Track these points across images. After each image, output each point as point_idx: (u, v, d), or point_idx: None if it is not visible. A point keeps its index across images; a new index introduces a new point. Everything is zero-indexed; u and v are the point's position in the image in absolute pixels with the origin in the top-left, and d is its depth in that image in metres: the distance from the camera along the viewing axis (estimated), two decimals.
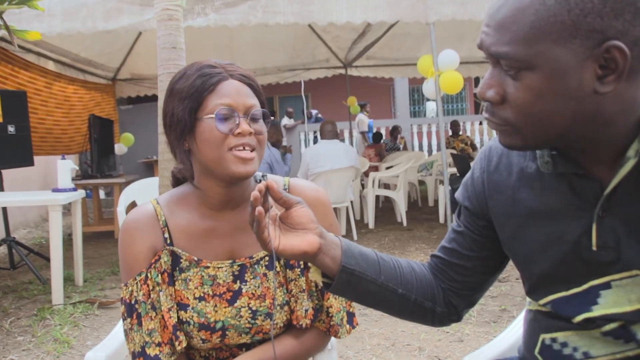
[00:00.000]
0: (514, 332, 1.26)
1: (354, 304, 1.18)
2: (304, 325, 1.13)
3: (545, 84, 0.74)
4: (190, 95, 1.04)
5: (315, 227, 0.89)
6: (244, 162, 1.02)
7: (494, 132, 0.91)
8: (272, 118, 1.12)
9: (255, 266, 1.13)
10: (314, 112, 13.11)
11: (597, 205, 0.83)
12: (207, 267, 1.11)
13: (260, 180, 0.87)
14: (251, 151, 1.04)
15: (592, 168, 0.83)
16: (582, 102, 0.74)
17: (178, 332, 1.08)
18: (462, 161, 5.90)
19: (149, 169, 8.52)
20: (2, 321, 3.42)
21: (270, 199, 0.88)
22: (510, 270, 3.94)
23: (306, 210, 0.90)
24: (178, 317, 1.09)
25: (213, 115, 1.02)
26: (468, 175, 1.03)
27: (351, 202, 5.82)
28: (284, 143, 8.31)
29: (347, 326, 1.17)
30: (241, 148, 1.03)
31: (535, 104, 0.76)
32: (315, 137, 10.79)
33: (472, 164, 1.04)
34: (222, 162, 1.03)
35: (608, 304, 0.85)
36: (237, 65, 1.10)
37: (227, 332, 1.10)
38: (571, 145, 0.82)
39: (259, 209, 0.83)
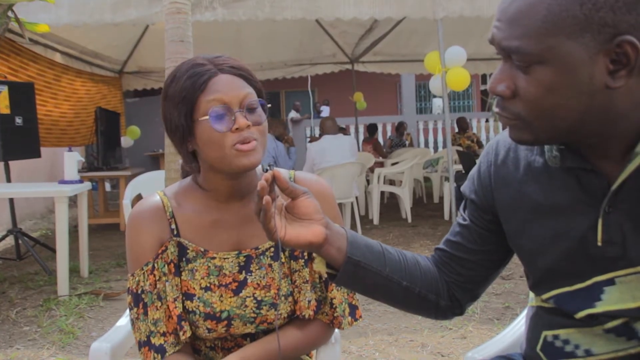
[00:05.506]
0: (517, 328, 1.25)
1: (357, 296, 1.19)
2: (306, 316, 1.13)
3: (557, 78, 0.74)
4: (183, 99, 1.03)
5: (321, 218, 0.90)
6: (247, 154, 1.02)
7: (501, 129, 0.91)
8: (269, 105, 1.09)
9: (261, 257, 1.14)
10: (323, 108, 12.87)
11: (603, 201, 0.82)
12: (214, 258, 1.12)
13: (267, 170, 0.87)
14: (252, 142, 1.02)
15: (600, 163, 0.83)
16: (593, 97, 0.74)
17: (182, 322, 1.09)
18: (467, 158, 5.89)
19: (155, 162, 8.53)
20: (8, 311, 3.45)
21: (276, 189, 0.88)
22: (514, 267, 3.94)
23: (312, 201, 0.90)
24: (184, 306, 1.10)
25: (207, 117, 1.01)
26: (474, 168, 1.03)
27: (356, 197, 5.82)
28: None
29: (349, 318, 1.17)
30: (242, 142, 1.02)
31: (546, 98, 0.76)
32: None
33: (477, 160, 1.04)
34: (225, 159, 1.03)
35: (612, 301, 0.85)
36: (227, 57, 1.07)
37: (232, 322, 1.11)
38: (580, 140, 0.81)
39: (266, 198, 0.84)
